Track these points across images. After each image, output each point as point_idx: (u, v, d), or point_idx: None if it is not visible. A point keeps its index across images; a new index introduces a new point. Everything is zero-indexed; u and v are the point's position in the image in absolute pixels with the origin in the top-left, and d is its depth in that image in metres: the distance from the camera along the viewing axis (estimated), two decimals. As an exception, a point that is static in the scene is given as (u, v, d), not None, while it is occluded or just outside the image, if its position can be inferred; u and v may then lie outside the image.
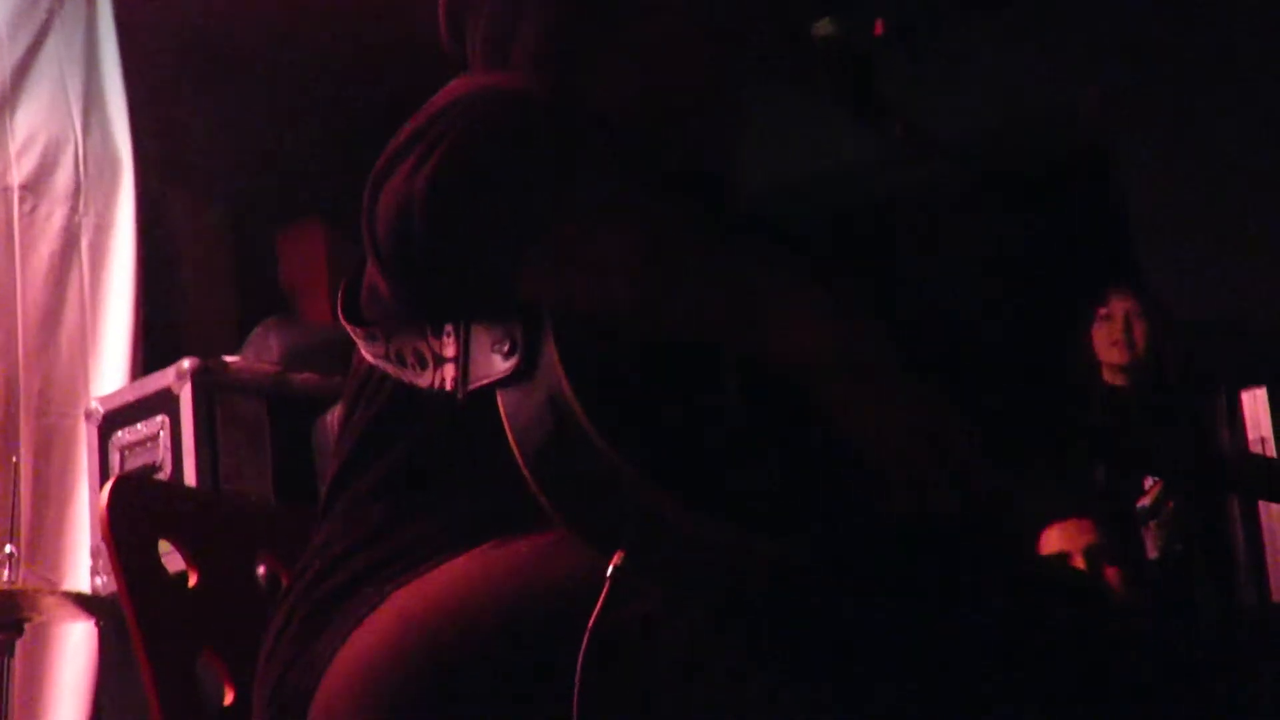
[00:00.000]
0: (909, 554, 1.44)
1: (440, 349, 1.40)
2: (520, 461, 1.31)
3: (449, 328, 1.40)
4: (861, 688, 1.34)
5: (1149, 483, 3.56)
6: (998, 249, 4.82)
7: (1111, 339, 3.95)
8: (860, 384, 1.37)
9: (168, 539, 1.88)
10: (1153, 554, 3.57)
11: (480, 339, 1.36)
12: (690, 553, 1.31)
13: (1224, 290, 4.28)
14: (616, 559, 1.28)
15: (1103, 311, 3.99)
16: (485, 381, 1.35)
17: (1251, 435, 3.59)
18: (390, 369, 1.48)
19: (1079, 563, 3.41)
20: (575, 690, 1.25)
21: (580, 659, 1.26)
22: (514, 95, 1.40)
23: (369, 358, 1.52)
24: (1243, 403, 3.63)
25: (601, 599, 1.27)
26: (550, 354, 1.30)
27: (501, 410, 1.33)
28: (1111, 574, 3.43)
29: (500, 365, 1.33)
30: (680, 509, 1.28)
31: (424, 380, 1.42)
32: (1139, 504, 3.58)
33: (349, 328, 1.55)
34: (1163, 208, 4.43)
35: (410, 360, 1.44)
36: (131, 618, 1.77)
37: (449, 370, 1.39)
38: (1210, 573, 3.62)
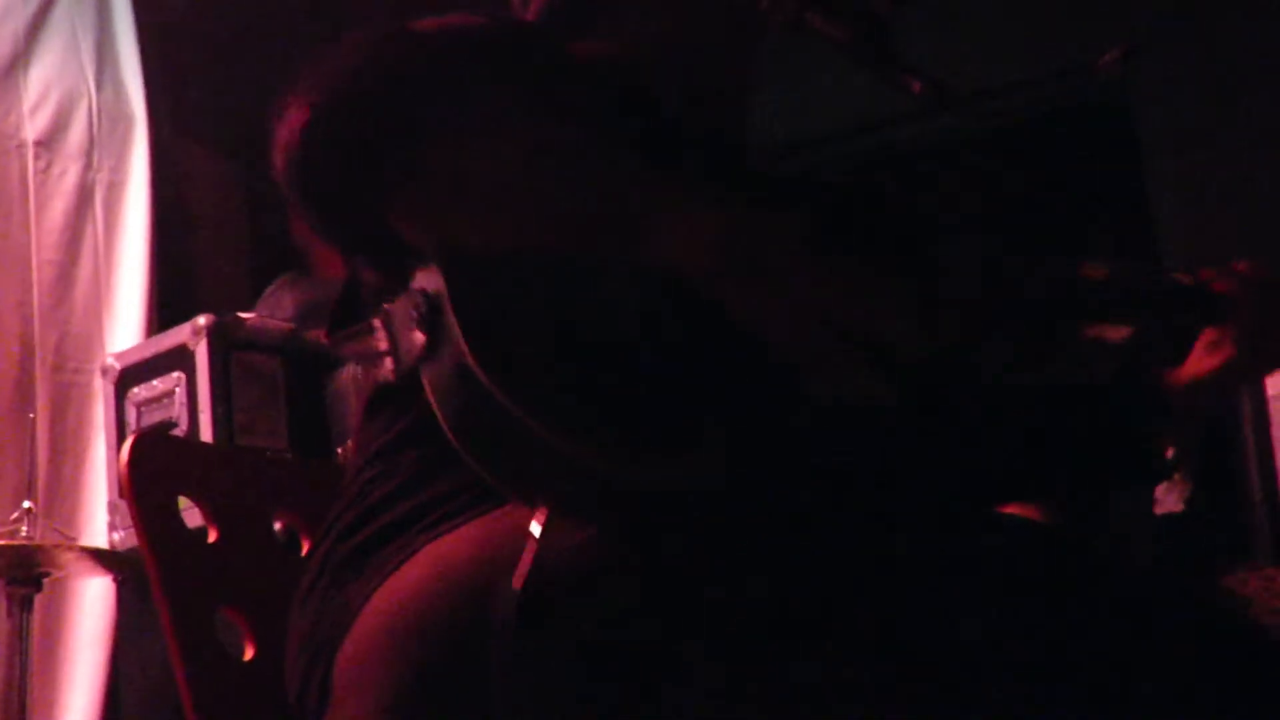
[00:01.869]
0: (839, 471, 1.41)
1: (376, 344, 1.43)
2: (447, 431, 1.32)
3: (378, 323, 1.42)
4: (801, 627, 1.32)
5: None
6: (1013, 205, 4.81)
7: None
8: (749, 277, 1.34)
9: (187, 495, 1.88)
10: (1176, 508, 3.55)
11: (399, 317, 1.38)
12: (610, 500, 1.30)
13: (1244, 252, 4.27)
14: (540, 516, 1.28)
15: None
16: (410, 362, 1.37)
17: (1271, 391, 3.58)
18: (365, 368, 1.52)
19: None
20: (496, 654, 1.25)
21: (499, 621, 1.26)
22: (399, 33, 1.42)
23: (353, 362, 1.55)
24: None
25: (527, 559, 1.27)
26: (450, 320, 1.30)
27: (426, 385, 1.34)
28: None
29: (418, 340, 1.35)
30: (591, 453, 1.27)
31: (381, 375, 1.45)
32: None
33: (329, 344, 1.58)
34: (1183, 166, 4.41)
35: (370, 358, 1.47)
36: (153, 574, 1.77)
37: (388, 363, 1.42)
38: (1224, 526, 3.61)
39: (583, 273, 1.36)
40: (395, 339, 1.39)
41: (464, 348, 1.28)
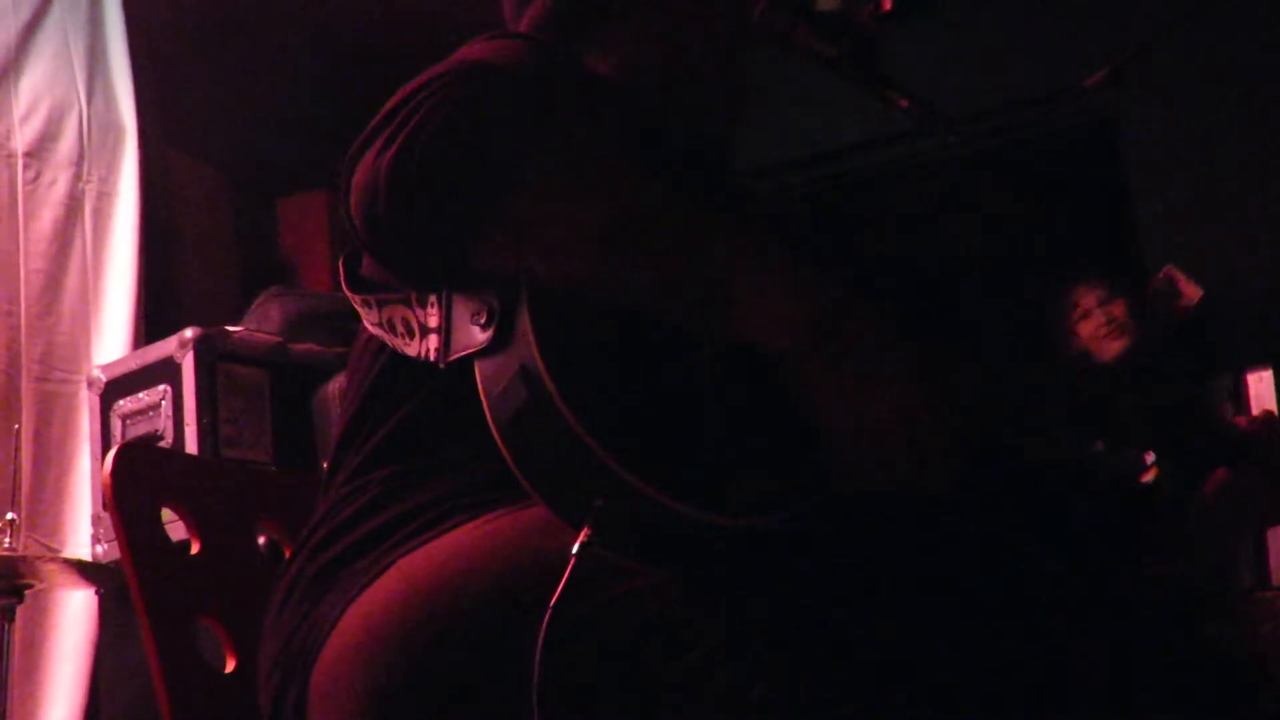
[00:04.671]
0: (893, 536, 1.44)
1: (425, 319, 1.43)
2: (494, 431, 1.34)
3: (433, 298, 1.43)
4: (833, 675, 1.34)
5: (1150, 459, 3.54)
6: (1001, 225, 4.82)
7: (1097, 333, 3.91)
8: (836, 361, 1.38)
9: (170, 506, 1.89)
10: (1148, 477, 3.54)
11: (460, 310, 1.39)
12: (655, 532, 1.32)
13: (1230, 270, 4.27)
14: (582, 536, 1.29)
15: (1078, 310, 3.95)
16: (465, 352, 1.38)
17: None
18: (385, 336, 1.51)
19: None
20: (535, 672, 1.26)
21: (540, 639, 1.26)
22: (483, 73, 1.41)
23: (368, 325, 1.54)
24: (1248, 384, 3.61)
25: (565, 577, 1.28)
26: (524, 325, 1.32)
27: (478, 379, 1.35)
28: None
29: (479, 336, 1.36)
30: (645, 487, 1.28)
31: (412, 349, 1.45)
32: (1142, 480, 3.56)
33: (349, 295, 1.57)
34: (1169, 186, 4.42)
35: (400, 329, 1.47)
36: (134, 585, 1.77)
37: (433, 340, 1.42)
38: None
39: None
40: (450, 324, 1.40)
41: (536, 353, 1.30)
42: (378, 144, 1.34)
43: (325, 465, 1.64)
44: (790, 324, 1.37)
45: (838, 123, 4.68)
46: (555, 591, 1.28)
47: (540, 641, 1.26)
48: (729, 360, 1.39)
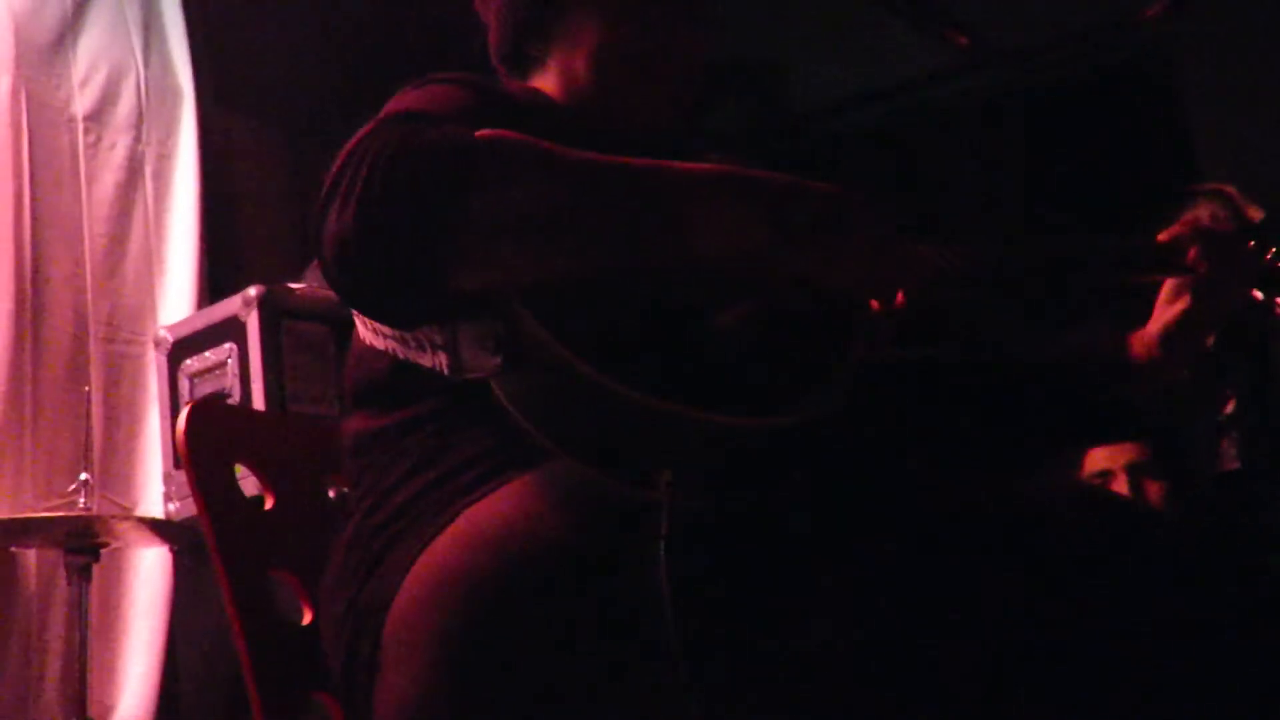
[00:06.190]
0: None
1: (431, 334, 1.48)
2: (542, 439, 1.39)
3: (437, 333, 1.48)
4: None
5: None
6: (1058, 159, 4.78)
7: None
8: (806, 237, 1.44)
9: (243, 463, 1.91)
10: (1235, 465, 3.53)
11: (465, 334, 1.43)
12: (730, 454, 1.38)
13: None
14: (664, 479, 1.32)
15: (1188, 217, 3.90)
16: (478, 375, 1.42)
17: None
18: (399, 350, 1.55)
19: (1121, 479, 3.39)
20: (669, 618, 1.29)
21: (664, 582, 1.29)
22: (414, 118, 1.47)
23: (378, 341, 1.59)
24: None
25: (665, 519, 1.31)
26: (536, 333, 1.36)
27: (503, 398, 1.40)
28: (1154, 490, 3.40)
29: (490, 361, 1.40)
30: (709, 415, 1.35)
31: (426, 360, 1.50)
32: (1223, 413, 3.53)
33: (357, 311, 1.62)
34: (1228, 117, 4.37)
35: (412, 343, 1.52)
36: (211, 541, 1.80)
37: (442, 356, 1.46)
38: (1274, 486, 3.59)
39: (646, 278, 1.44)
40: (458, 351, 1.44)
41: (565, 355, 1.34)
42: (336, 203, 1.37)
43: (348, 434, 1.68)
44: (748, 221, 1.42)
45: (883, 63, 4.65)
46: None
47: (665, 584, 1.30)
48: (727, 287, 1.46)
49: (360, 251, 1.36)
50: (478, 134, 1.40)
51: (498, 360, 1.39)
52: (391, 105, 1.60)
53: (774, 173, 1.47)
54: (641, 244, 1.41)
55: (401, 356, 1.55)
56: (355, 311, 1.61)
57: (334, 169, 1.40)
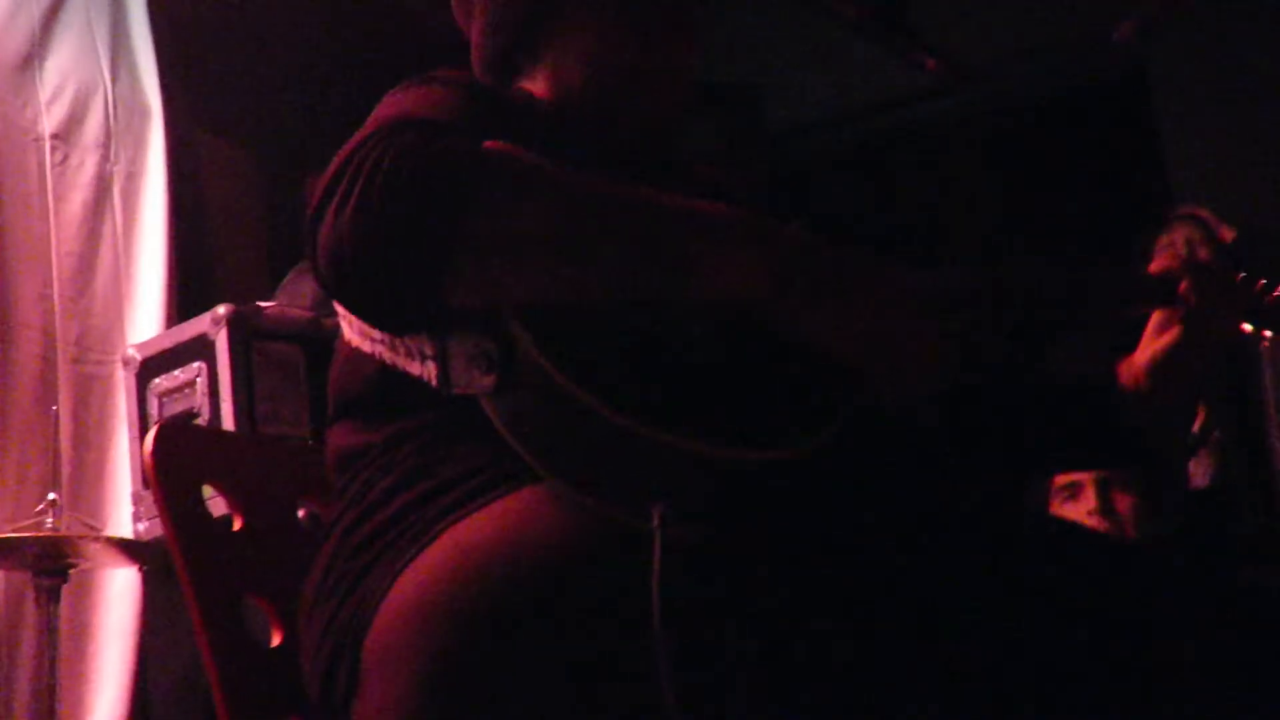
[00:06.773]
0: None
1: (421, 345, 1.47)
2: (534, 463, 1.38)
3: (426, 347, 1.47)
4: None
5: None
6: (1031, 179, 4.79)
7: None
8: (811, 299, 1.44)
9: (211, 483, 1.89)
10: (1203, 482, 3.54)
11: (455, 349, 1.43)
12: (726, 487, 1.36)
13: (1262, 219, 4.24)
14: (658, 510, 1.31)
15: (1163, 241, 3.92)
16: (469, 393, 1.41)
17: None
18: (387, 355, 1.54)
19: (1089, 492, 3.37)
20: (660, 651, 1.28)
21: (656, 615, 1.28)
22: (412, 122, 1.45)
23: (365, 345, 1.56)
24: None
25: (657, 552, 1.30)
26: (530, 355, 1.35)
27: (495, 418, 1.39)
28: (1125, 504, 3.39)
29: (481, 380, 1.39)
30: (707, 447, 1.34)
31: (415, 369, 1.49)
32: (1190, 433, 3.54)
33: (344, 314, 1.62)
34: (1201, 135, 4.39)
35: (401, 350, 1.51)
36: (179, 562, 1.78)
37: (431, 367, 1.46)
38: (1252, 505, 3.59)
39: (646, 307, 1.43)
40: (448, 365, 1.43)
41: (564, 382, 1.33)
42: (333, 204, 1.37)
43: (332, 447, 1.67)
44: (752, 272, 1.42)
45: (857, 84, 4.67)
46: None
47: (656, 623, 1.28)
48: (726, 319, 1.44)
49: (355, 257, 1.36)
50: (485, 147, 1.39)
51: (490, 380, 1.38)
52: (388, 107, 1.59)
53: (787, 225, 1.46)
54: (642, 279, 1.41)
55: (389, 363, 1.53)
56: (343, 312, 1.60)
57: (332, 169, 1.40)
